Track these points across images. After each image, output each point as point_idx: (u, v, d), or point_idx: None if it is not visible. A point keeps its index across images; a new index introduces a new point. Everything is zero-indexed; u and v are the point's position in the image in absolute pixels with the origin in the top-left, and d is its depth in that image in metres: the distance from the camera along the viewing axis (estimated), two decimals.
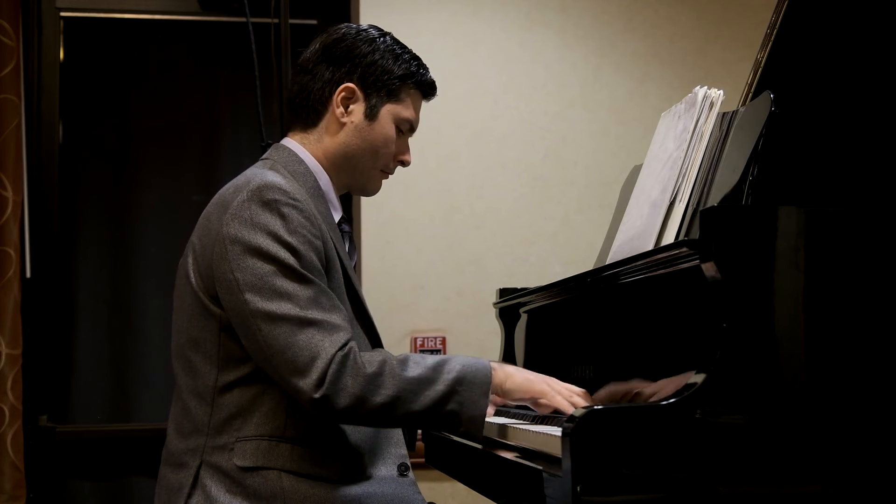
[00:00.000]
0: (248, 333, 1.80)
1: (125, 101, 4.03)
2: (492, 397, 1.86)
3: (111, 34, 4.03)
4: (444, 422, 1.81)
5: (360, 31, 2.03)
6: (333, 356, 1.74)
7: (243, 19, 2.76)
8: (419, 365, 1.79)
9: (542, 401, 1.87)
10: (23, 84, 3.65)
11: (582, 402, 1.86)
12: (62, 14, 3.88)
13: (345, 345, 1.77)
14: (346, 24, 2.06)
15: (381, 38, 2.03)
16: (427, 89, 2.08)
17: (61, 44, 3.87)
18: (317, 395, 1.73)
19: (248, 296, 1.78)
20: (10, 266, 3.51)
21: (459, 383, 1.79)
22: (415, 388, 1.77)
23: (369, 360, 1.77)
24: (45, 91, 3.81)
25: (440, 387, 1.78)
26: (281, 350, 1.76)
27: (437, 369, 1.79)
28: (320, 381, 1.73)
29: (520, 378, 1.88)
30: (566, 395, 1.87)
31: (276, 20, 3.00)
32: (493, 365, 1.85)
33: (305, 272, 1.80)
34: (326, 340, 1.75)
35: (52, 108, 3.82)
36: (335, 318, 1.79)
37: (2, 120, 3.56)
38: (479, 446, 2.03)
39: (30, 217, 3.65)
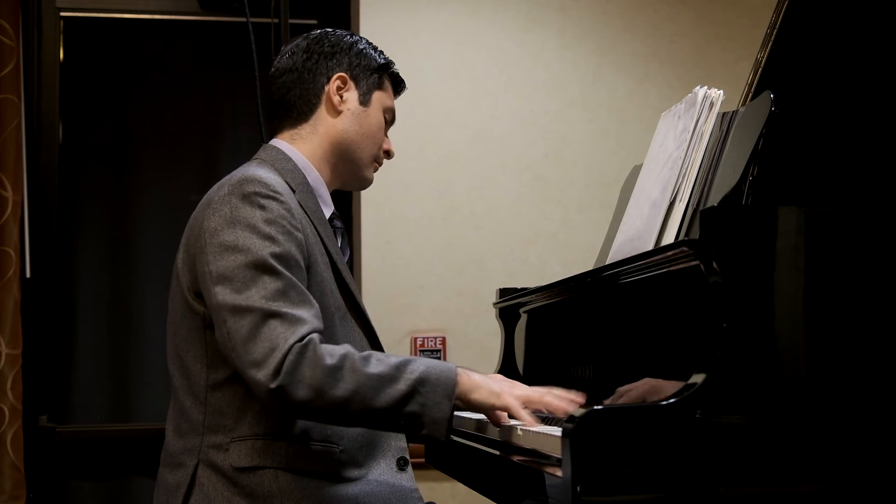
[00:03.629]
0: (217, 326, 1.79)
1: (125, 101, 4.03)
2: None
3: (111, 34, 4.03)
4: (406, 422, 1.75)
5: (334, 30, 2.13)
6: (291, 346, 1.70)
7: (243, 19, 2.76)
8: (381, 362, 1.75)
9: (505, 415, 1.81)
10: (23, 84, 3.65)
11: (556, 404, 1.78)
12: (62, 14, 3.88)
13: (304, 336, 1.73)
14: (313, 31, 2.14)
15: (356, 36, 2.13)
16: (398, 82, 2.17)
17: (61, 44, 3.87)
18: (273, 385, 1.69)
19: (218, 288, 1.77)
20: (10, 266, 3.51)
21: (422, 384, 1.74)
22: (375, 384, 1.72)
23: (330, 352, 1.73)
24: (45, 91, 3.80)
25: (402, 386, 1.73)
26: (242, 342, 1.73)
27: (400, 368, 1.75)
28: (276, 372, 1.69)
29: (486, 391, 1.80)
30: (536, 399, 1.80)
31: (276, 20, 3.01)
32: (460, 370, 1.79)
33: (277, 265, 1.78)
34: (288, 332, 1.72)
35: (52, 108, 3.81)
36: (301, 312, 1.75)
37: (2, 120, 3.56)
38: (489, 449, 2.03)
39: (30, 217, 3.65)
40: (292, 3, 3.04)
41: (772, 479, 1.50)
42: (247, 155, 4.06)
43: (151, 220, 3.98)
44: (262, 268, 1.77)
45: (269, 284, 1.76)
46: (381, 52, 2.14)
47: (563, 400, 1.80)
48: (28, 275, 3.62)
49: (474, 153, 3.82)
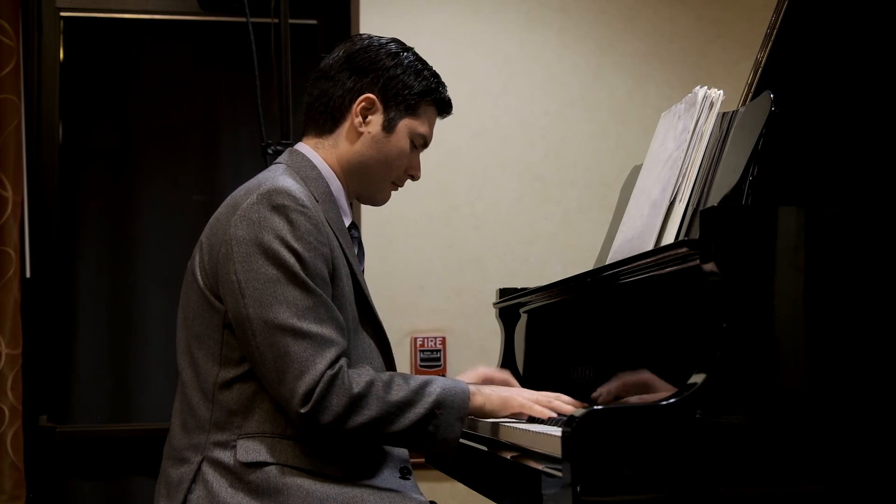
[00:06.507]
0: (243, 336, 1.82)
1: (125, 101, 4.03)
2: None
3: (111, 34, 4.03)
4: (419, 442, 1.85)
5: (384, 43, 2.05)
6: (323, 374, 1.77)
7: (243, 19, 2.76)
8: (402, 388, 1.83)
9: (523, 412, 1.93)
10: (23, 84, 3.65)
11: (565, 407, 1.90)
12: (62, 14, 3.88)
13: (335, 362, 1.79)
14: (369, 35, 2.08)
15: (404, 53, 2.04)
16: (443, 107, 2.10)
17: (61, 44, 3.87)
18: (302, 411, 1.77)
19: (248, 300, 1.80)
20: (10, 266, 3.51)
21: (439, 406, 1.84)
22: (396, 410, 1.81)
23: (357, 380, 1.80)
24: (45, 91, 3.80)
25: (420, 409, 1.82)
26: (273, 359, 1.79)
27: (419, 392, 1.83)
28: (307, 397, 1.76)
29: (497, 399, 1.93)
30: (544, 402, 1.92)
31: (276, 20, 3.00)
32: (472, 389, 1.89)
33: (307, 280, 1.81)
34: (317, 356, 1.78)
35: (52, 108, 3.81)
36: (329, 331, 1.81)
37: (2, 120, 3.56)
38: (489, 449, 2.03)
39: (30, 217, 3.65)
40: (292, 3, 3.04)
41: (772, 479, 1.50)
42: (247, 155, 4.02)
43: (151, 220, 3.98)
44: (291, 283, 1.80)
45: (300, 301, 1.80)
46: (427, 77, 2.04)
47: (570, 405, 1.92)
48: (28, 275, 3.61)
49: (474, 153, 3.82)
